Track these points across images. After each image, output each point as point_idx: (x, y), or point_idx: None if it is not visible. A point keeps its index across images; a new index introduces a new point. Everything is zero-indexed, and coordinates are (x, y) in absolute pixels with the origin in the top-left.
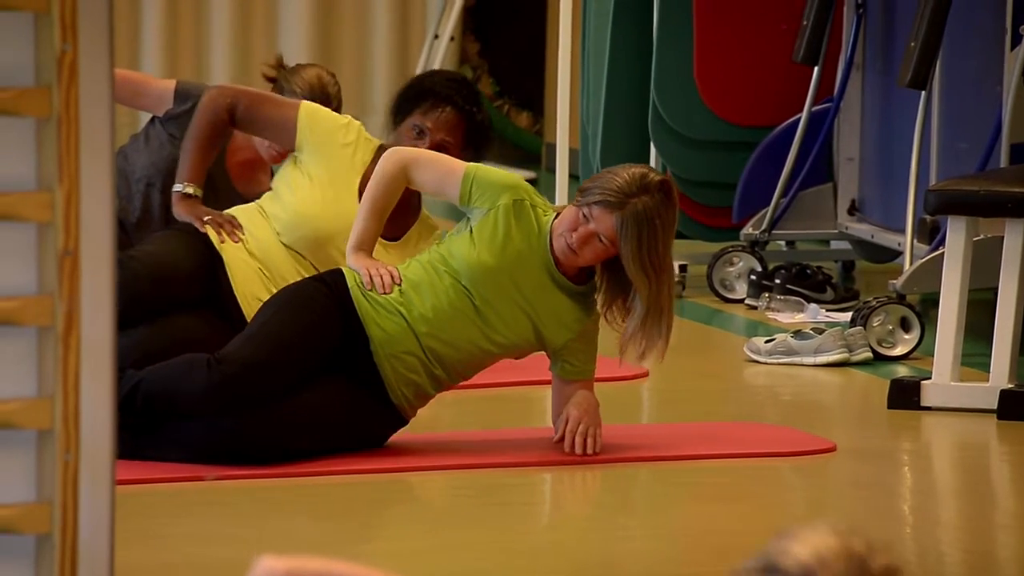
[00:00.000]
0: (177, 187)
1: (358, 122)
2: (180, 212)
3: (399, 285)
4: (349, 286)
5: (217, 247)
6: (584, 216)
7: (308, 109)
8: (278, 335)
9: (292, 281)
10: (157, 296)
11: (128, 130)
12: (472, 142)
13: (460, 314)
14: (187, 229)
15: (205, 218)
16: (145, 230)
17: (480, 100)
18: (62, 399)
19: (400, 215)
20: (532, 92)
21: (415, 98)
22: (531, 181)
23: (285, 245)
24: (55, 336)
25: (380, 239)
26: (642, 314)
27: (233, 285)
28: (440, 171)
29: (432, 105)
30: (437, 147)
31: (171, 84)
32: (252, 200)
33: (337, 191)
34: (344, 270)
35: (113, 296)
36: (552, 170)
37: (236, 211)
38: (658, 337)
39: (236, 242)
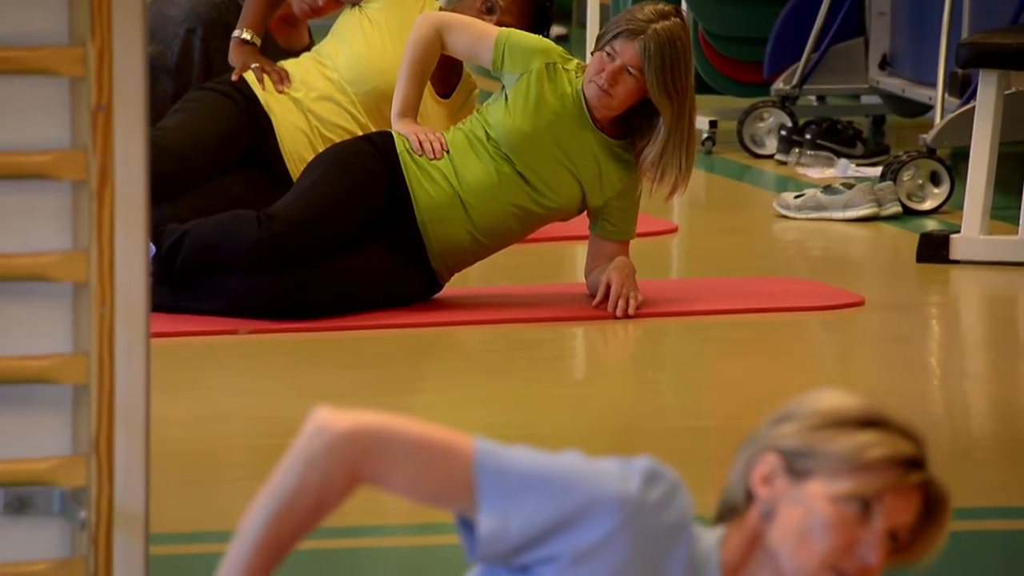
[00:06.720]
0: (235, 33)
1: None
2: (235, 58)
3: (447, 152)
4: (398, 150)
5: (266, 108)
6: (608, 55)
7: None
8: (326, 195)
9: (338, 139)
10: (184, 172)
11: None
12: (533, 31)
13: (506, 182)
14: (227, 90)
15: (253, 65)
16: (185, 76)
17: None
18: (97, 252)
19: (446, 74)
20: None
21: None
22: (562, 36)
23: (340, 98)
24: (89, 190)
25: (432, 94)
26: (663, 138)
27: (281, 146)
28: (473, 35)
29: None
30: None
31: None
32: (294, 54)
33: (404, 43)
34: (394, 133)
35: (146, 150)
36: (583, 25)
37: (289, 64)
38: (677, 165)
39: (280, 92)
